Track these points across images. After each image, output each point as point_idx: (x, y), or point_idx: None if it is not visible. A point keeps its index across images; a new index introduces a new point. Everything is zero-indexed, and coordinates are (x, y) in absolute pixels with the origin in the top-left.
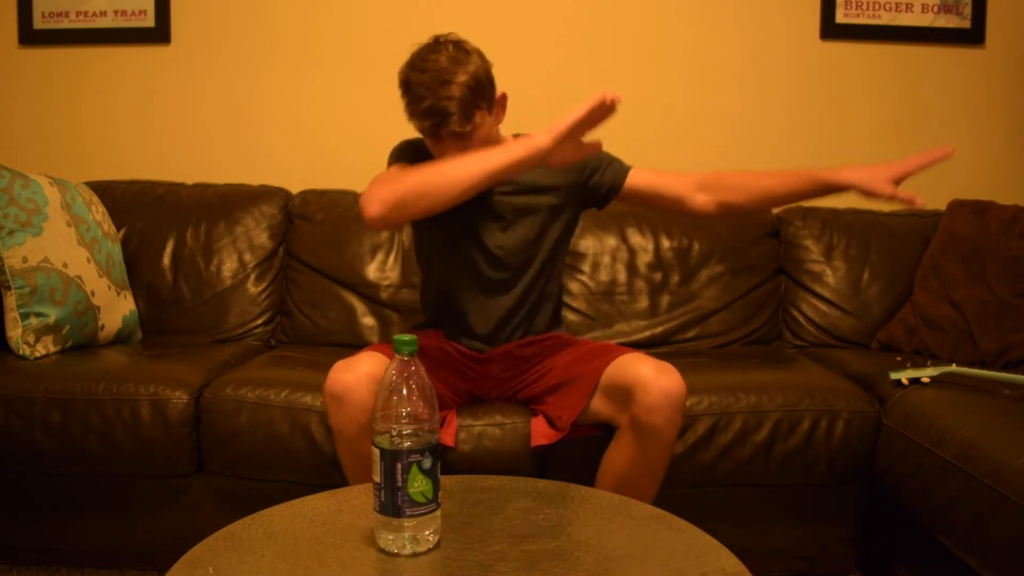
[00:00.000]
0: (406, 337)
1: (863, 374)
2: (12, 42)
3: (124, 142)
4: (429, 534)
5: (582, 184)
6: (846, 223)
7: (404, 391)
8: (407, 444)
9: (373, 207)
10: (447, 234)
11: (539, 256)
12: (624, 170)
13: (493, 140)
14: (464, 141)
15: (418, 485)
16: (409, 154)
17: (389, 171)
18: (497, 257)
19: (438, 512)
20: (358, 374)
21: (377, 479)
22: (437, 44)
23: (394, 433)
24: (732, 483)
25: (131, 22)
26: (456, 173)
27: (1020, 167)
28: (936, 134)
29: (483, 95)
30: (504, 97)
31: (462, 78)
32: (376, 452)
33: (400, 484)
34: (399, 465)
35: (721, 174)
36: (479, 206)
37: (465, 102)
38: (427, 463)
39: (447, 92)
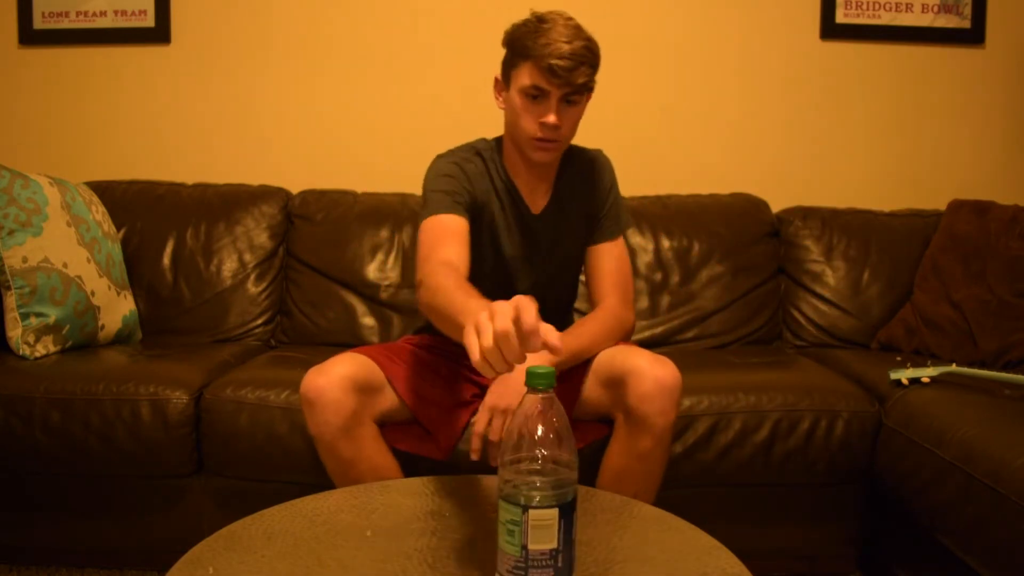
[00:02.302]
0: (541, 369)
1: (863, 374)
2: (12, 42)
3: (124, 142)
4: None
5: (592, 216)
6: (846, 223)
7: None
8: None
9: (419, 300)
10: (491, 256)
11: (565, 268)
12: (607, 236)
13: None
14: (570, 107)
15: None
16: (448, 182)
17: (426, 250)
18: (525, 270)
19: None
20: (330, 377)
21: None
22: (551, 17)
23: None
24: (732, 483)
25: (131, 22)
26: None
27: (1020, 167)
28: (936, 134)
29: (598, 68)
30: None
31: (593, 39)
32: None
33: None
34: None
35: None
36: (512, 223)
37: (597, 62)
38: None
39: (590, 43)
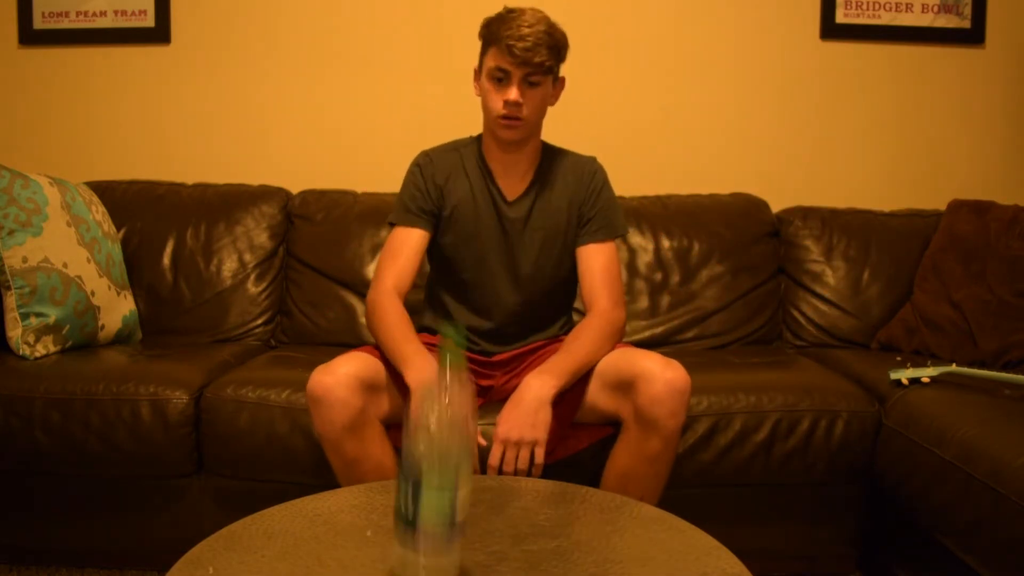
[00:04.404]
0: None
1: (863, 374)
2: (12, 42)
3: (124, 142)
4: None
5: (579, 214)
6: (846, 223)
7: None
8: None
9: (369, 303)
10: (469, 245)
11: (545, 262)
12: (596, 237)
13: (540, 123)
14: (533, 89)
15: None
16: (408, 190)
17: (386, 255)
18: (519, 270)
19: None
20: (337, 375)
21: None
22: (520, 8)
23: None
24: (732, 483)
25: (131, 22)
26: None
27: (1020, 167)
28: (936, 134)
29: (561, 56)
30: (563, 82)
31: (558, 28)
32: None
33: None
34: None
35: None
36: (483, 207)
37: (559, 47)
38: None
39: (552, 29)
